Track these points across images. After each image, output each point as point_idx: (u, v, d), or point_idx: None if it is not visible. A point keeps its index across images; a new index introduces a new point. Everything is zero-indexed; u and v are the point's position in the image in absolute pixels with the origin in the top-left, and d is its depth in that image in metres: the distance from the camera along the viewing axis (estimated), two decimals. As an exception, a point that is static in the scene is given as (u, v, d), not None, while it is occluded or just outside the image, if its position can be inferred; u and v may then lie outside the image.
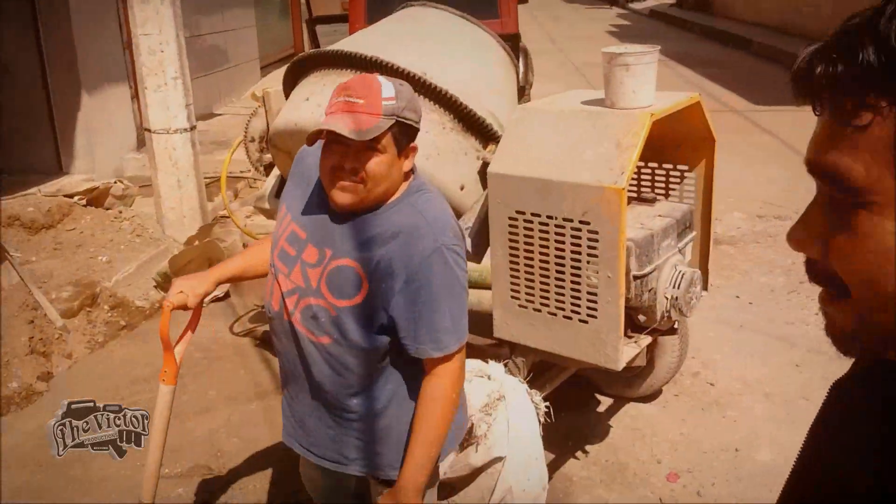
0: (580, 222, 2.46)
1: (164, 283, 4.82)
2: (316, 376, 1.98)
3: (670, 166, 3.04)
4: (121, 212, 5.58)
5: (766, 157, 7.64)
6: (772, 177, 6.92)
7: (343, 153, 1.81)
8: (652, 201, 2.88)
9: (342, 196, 1.84)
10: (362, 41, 3.20)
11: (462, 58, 3.18)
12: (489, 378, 2.66)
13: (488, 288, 2.81)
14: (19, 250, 4.94)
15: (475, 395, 2.57)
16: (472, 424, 2.53)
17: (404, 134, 1.83)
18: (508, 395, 2.63)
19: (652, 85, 2.53)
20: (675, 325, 2.82)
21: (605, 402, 3.73)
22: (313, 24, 8.81)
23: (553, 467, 3.21)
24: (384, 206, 1.89)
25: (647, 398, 3.69)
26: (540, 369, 3.07)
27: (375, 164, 1.80)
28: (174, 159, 5.28)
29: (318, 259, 1.92)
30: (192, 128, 5.38)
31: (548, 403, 2.78)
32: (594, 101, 2.69)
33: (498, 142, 2.99)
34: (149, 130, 5.29)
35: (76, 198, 5.56)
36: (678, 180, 3.04)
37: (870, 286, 0.63)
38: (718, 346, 4.20)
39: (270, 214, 3.61)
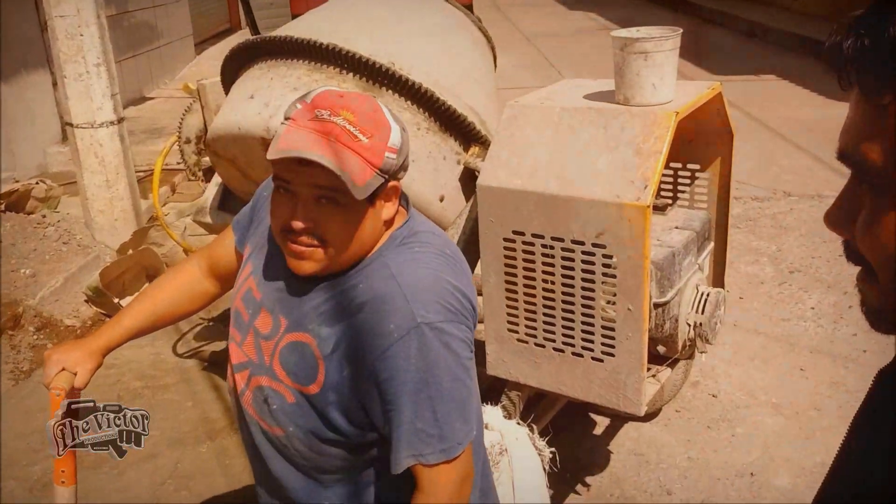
0: (593, 245, 2.04)
1: (95, 297, 4.29)
2: (273, 471, 1.52)
3: (679, 165, 2.64)
4: (44, 216, 4.99)
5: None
6: (742, 154, 6.57)
7: (292, 205, 1.32)
8: (664, 209, 2.48)
9: (298, 265, 1.35)
10: (315, 24, 2.71)
11: (432, 41, 2.72)
12: (487, 427, 2.24)
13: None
14: (-73, 266, 4.36)
15: (472, 452, 2.14)
16: (471, 488, 2.12)
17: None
18: (511, 447, 2.22)
19: (673, 77, 2.11)
20: (697, 352, 2.43)
21: (602, 421, 3.35)
22: None
23: (554, 508, 2.83)
24: (355, 268, 1.39)
25: (648, 416, 3.32)
26: (531, 398, 2.67)
27: (339, 223, 1.32)
28: (101, 156, 4.70)
29: (272, 329, 1.43)
30: (120, 120, 4.79)
31: (553, 449, 2.38)
32: (600, 94, 2.26)
33: (480, 142, 2.55)
34: (70, 125, 4.70)
35: (-8, 202, 4.95)
36: (688, 181, 2.64)
37: (888, 267, 0.64)
38: (715, 349, 3.81)
39: (213, 229, 3.12)
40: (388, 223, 1.41)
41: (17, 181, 5.50)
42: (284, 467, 1.50)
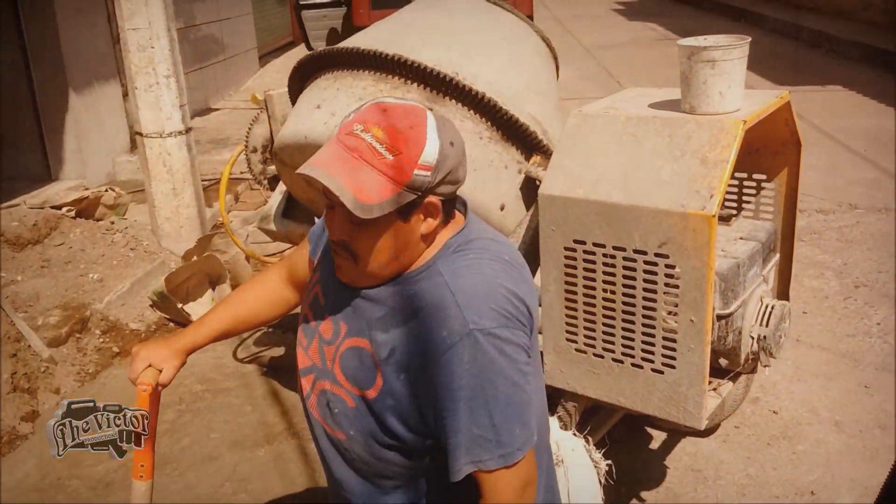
0: (656, 255, 2.03)
1: (160, 302, 4.40)
2: (336, 474, 1.55)
3: (744, 175, 2.60)
4: (113, 223, 5.14)
5: (798, 144, 7.14)
6: (807, 165, 6.43)
7: (331, 217, 1.37)
8: (728, 219, 2.45)
9: (341, 273, 1.43)
10: (381, 35, 2.75)
11: (496, 52, 2.73)
12: (544, 437, 2.24)
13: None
14: (3, 269, 4.53)
15: (530, 461, 2.14)
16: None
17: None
18: (567, 459, 2.21)
19: (741, 86, 2.08)
20: (760, 366, 2.39)
21: (658, 435, 3.31)
22: (300, 10, 8.42)
23: (608, 521, 2.80)
24: (407, 274, 1.40)
25: (706, 432, 3.27)
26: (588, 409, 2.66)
27: (367, 240, 1.35)
28: (168, 165, 4.84)
29: (333, 334, 1.47)
30: (188, 130, 4.92)
31: (609, 461, 2.37)
32: (665, 103, 2.24)
33: (542, 152, 2.56)
34: (140, 134, 4.84)
35: (64, 209, 5.12)
36: (753, 191, 2.61)
37: None
38: (776, 364, 3.72)
39: (277, 236, 3.18)
40: (428, 237, 1.40)
41: (87, 188, 5.70)
42: (346, 471, 1.53)
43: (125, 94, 6.42)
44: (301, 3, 9.28)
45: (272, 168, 3.29)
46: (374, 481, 1.50)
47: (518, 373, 1.35)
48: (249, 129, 3.38)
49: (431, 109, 1.37)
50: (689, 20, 14.70)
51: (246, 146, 3.38)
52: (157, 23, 4.67)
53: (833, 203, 5.68)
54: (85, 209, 5.24)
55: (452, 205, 1.44)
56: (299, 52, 10.97)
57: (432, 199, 1.35)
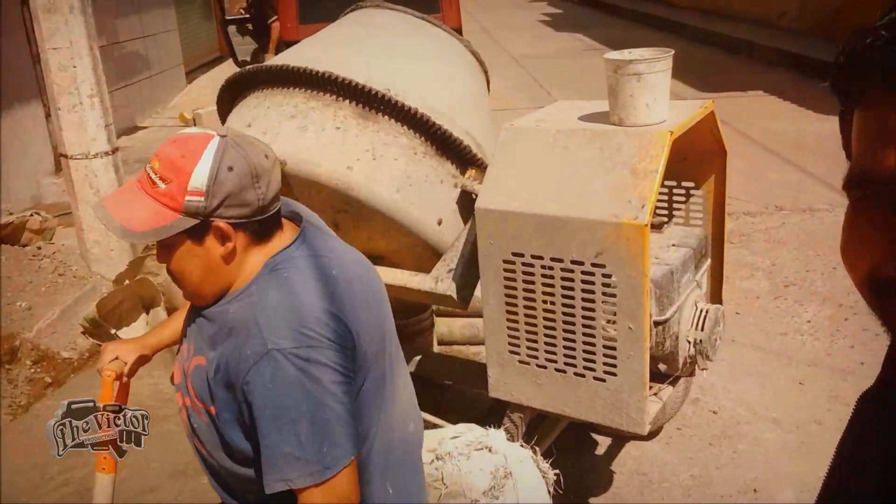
0: (592, 265, 2.05)
1: (92, 329, 4.27)
2: (214, 490, 1.59)
3: (674, 183, 2.66)
4: (39, 248, 4.97)
5: (724, 148, 7.34)
6: (733, 169, 6.61)
7: None
8: (660, 227, 2.50)
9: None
10: (311, 52, 2.73)
11: (427, 67, 2.74)
12: (490, 451, 2.24)
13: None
14: (-78, 301, 4.34)
15: (477, 475, 2.14)
16: (477, 512, 2.12)
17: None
18: (515, 470, 2.22)
19: (666, 97, 2.13)
20: (698, 369, 2.44)
21: (603, 441, 3.35)
22: (225, 25, 8.40)
23: (557, 531, 2.82)
24: (230, 293, 1.47)
25: (649, 435, 3.32)
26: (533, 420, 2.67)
27: (174, 263, 1.45)
28: (95, 187, 4.70)
29: (186, 353, 1.54)
30: (115, 150, 4.79)
31: (557, 471, 2.38)
32: (595, 115, 2.28)
33: (477, 165, 2.57)
34: (64, 156, 4.70)
35: (-14, 236, 4.94)
36: (683, 199, 2.66)
37: None
38: (713, 365, 3.81)
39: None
40: (230, 258, 1.43)
41: (11, 213, 5.50)
42: (218, 487, 1.57)
43: (48, 115, 6.24)
44: (227, 18, 9.20)
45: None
46: (240, 497, 1.53)
47: (324, 392, 1.36)
48: (179, 149, 3.30)
49: (225, 136, 1.40)
50: (613, 30, 15.02)
51: (176, 167, 3.31)
52: (79, 42, 4.54)
53: (759, 205, 5.85)
54: (10, 235, 5.06)
55: (264, 225, 1.46)
56: (227, 66, 10.84)
57: (219, 223, 1.39)
